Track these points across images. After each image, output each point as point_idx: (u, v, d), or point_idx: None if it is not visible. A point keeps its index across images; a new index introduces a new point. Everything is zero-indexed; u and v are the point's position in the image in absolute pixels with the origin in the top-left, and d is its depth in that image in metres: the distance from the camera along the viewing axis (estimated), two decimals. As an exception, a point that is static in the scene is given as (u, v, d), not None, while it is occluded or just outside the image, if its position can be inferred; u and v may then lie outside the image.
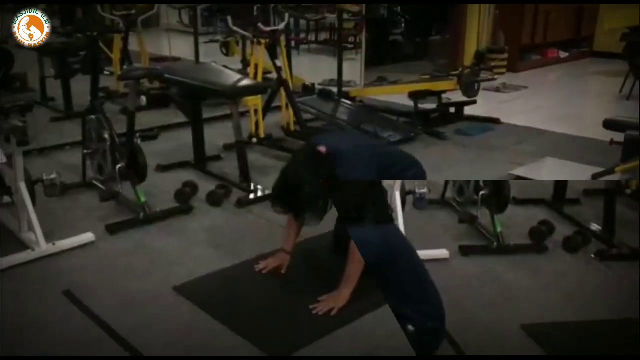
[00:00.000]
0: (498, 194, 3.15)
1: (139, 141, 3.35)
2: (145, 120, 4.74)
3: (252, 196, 3.48)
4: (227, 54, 6.85)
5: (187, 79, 3.64)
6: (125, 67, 5.61)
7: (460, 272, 2.73)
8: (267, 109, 4.43)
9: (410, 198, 3.13)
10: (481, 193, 3.15)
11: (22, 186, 2.84)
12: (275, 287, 2.55)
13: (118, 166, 3.28)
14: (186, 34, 8.17)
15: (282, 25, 4.32)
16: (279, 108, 4.77)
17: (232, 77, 3.66)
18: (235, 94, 3.52)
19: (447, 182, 3.58)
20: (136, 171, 3.29)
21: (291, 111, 4.44)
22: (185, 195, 3.41)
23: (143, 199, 3.21)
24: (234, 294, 2.51)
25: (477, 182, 3.30)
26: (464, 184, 3.49)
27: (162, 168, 3.93)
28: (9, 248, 2.82)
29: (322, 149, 2.38)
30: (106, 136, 3.38)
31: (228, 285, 2.58)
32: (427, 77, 5.42)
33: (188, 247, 2.97)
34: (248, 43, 5.34)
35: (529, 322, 2.34)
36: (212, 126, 4.51)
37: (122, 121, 3.60)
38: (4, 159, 2.96)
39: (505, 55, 7.37)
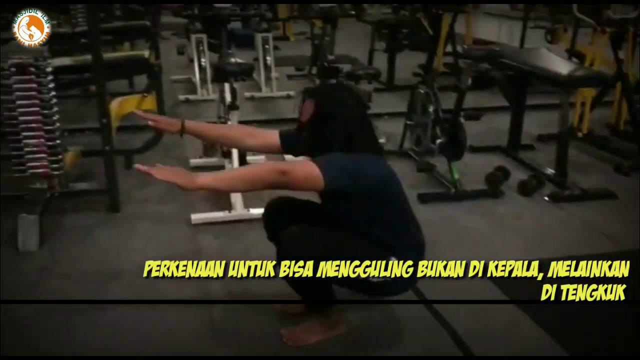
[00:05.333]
0: (455, 143, 3.27)
1: (462, 120, 3.43)
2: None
3: (567, 192, 3.31)
4: (551, 42, 6.49)
5: (520, 64, 3.58)
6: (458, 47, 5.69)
7: (419, 218, 2.22)
8: (597, 102, 4.10)
9: None
10: (438, 141, 3.32)
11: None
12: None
13: (438, 141, 3.42)
14: (506, 17, 7.99)
15: (634, 14, 3.88)
16: (606, 103, 4.38)
17: (566, 65, 3.48)
18: (573, 84, 3.35)
19: (404, 132, 3.74)
20: (455, 148, 3.38)
21: (624, 109, 4.03)
22: (496, 179, 3.41)
23: (457, 176, 3.31)
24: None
25: (433, 130, 3.41)
26: (421, 133, 3.57)
27: (474, 149, 3.97)
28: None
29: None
30: (431, 110, 3.53)
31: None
32: None
33: (494, 230, 2.98)
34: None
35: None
36: (527, 114, 4.37)
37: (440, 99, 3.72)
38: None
39: None
